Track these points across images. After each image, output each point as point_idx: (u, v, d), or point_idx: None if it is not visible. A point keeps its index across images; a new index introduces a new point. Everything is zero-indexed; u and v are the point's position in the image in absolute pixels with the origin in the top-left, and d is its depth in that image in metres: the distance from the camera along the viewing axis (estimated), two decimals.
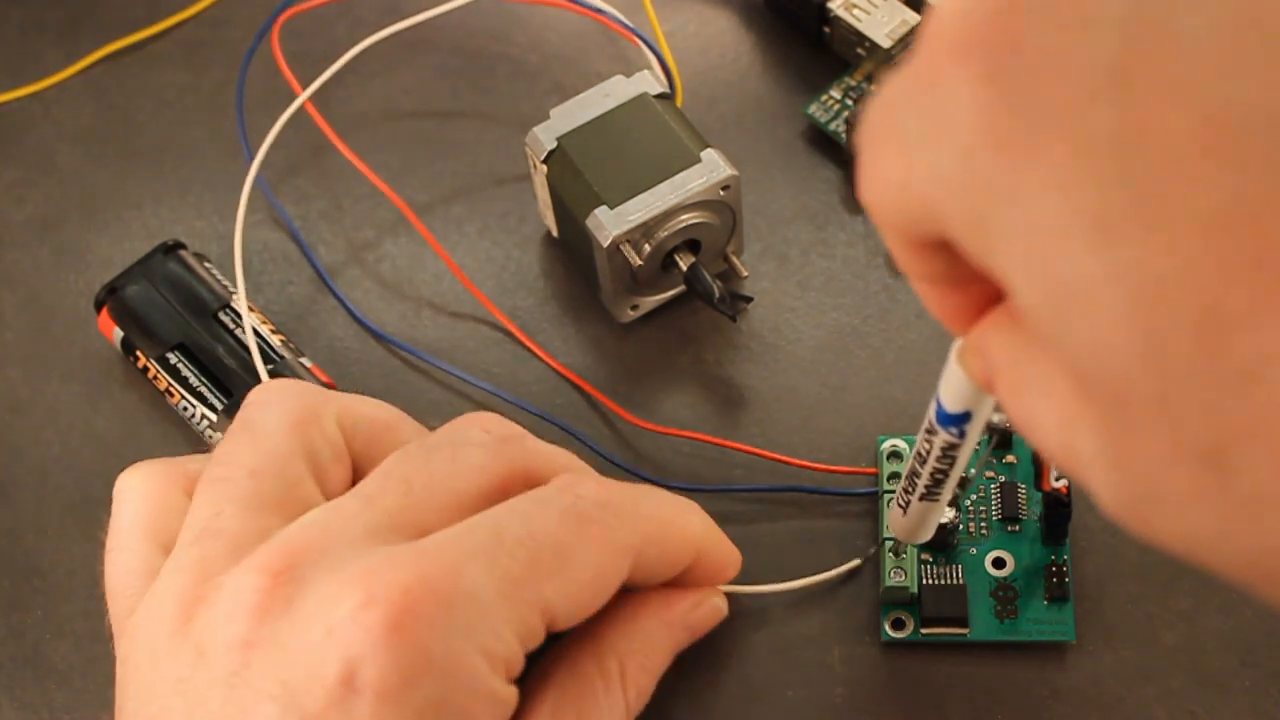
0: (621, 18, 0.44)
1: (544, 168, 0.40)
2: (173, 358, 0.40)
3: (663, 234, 0.39)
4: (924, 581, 0.36)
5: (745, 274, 0.41)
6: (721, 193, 0.39)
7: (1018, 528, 0.37)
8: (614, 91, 0.41)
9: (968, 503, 0.37)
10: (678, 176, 0.39)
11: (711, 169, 0.39)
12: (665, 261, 0.40)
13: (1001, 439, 0.38)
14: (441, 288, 0.43)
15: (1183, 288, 0.18)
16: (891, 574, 0.36)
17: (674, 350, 0.42)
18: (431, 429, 0.33)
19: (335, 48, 0.44)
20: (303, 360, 0.40)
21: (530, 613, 0.29)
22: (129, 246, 0.44)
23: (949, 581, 0.36)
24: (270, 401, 0.33)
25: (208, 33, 0.48)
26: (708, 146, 0.39)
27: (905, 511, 0.34)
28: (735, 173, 0.39)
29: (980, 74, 0.20)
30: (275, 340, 0.40)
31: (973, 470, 0.37)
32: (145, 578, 0.31)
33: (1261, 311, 0.17)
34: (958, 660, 0.36)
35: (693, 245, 0.40)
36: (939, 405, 0.29)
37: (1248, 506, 0.18)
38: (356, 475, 0.33)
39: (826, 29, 0.45)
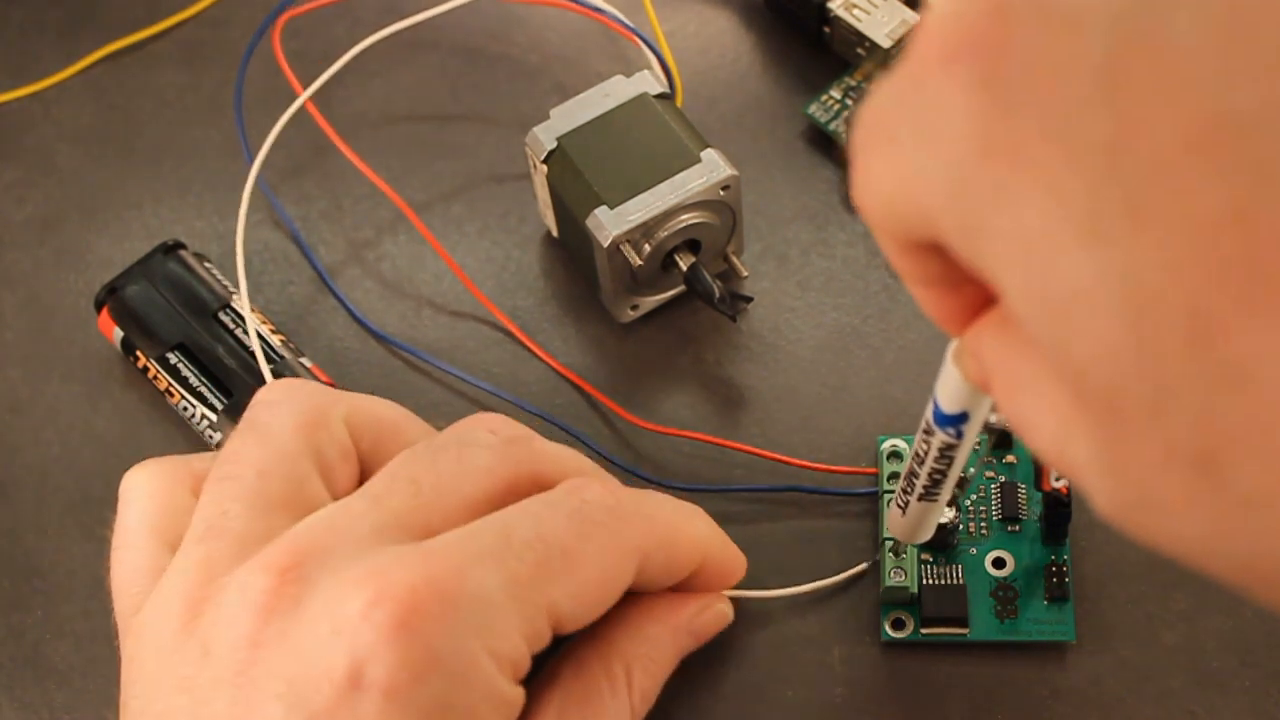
0: (621, 18, 0.44)
1: (544, 168, 0.40)
2: (173, 358, 0.40)
3: (663, 234, 0.39)
4: (924, 581, 0.36)
5: (745, 274, 0.41)
6: (721, 193, 0.39)
7: (1018, 528, 0.37)
8: (614, 91, 0.41)
9: (968, 503, 0.37)
10: (678, 176, 0.39)
11: (711, 169, 0.39)
12: (665, 261, 0.40)
13: (1000, 439, 0.38)
14: (441, 288, 0.43)
15: (1173, 292, 0.17)
16: (891, 574, 0.36)
17: (674, 350, 0.42)
18: (439, 429, 0.33)
19: (335, 48, 0.44)
20: (303, 360, 0.40)
21: (537, 615, 0.29)
22: (129, 246, 0.44)
23: (949, 581, 0.36)
24: (278, 401, 0.33)
25: (208, 33, 0.48)
26: (708, 146, 0.39)
27: (904, 512, 0.34)
28: (735, 173, 0.39)
29: (971, 79, 0.20)
30: (275, 340, 0.40)
31: (972, 470, 0.37)
32: (151, 576, 0.31)
33: (1251, 315, 0.17)
34: (958, 660, 0.36)
35: (693, 245, 0.40)
36: (936, 406, 0.29)
37: (1240, 510, 0.18)
38: (364, 475, 0.33)
39: (826, 29, 0.45)
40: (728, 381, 0.41)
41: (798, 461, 0.39)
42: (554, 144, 0.40)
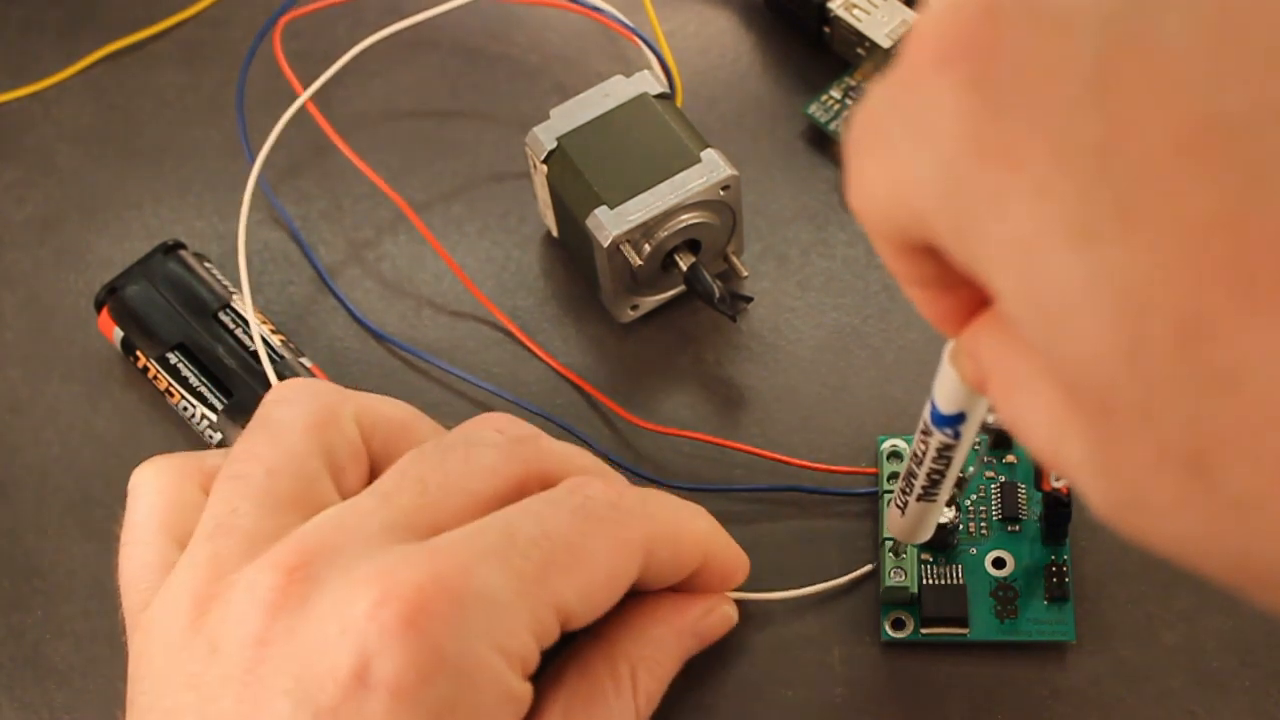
0: (621, 18, 0.44)
1: (544, 168, 0.40)
2: (173, 358, 0.40)
3: (663, 234, 0.39)
4: (924, 581, 0.36)
5: (745, 274, 0.41)
6: (721, 193, 0.39)
7: (1018, 528, 0.37)
8: (614, 91, 0.41)
9: (968, 503, 0.37)
10: (678, 176, 0.39)
11: (711, 169, 0.39)
12: (665, 261, 0.40)
13: (998, 439, 0.38)
14: (441, 288, 0.43)
15: (1164, 294, 0.18)
16: (891, 574, 0.36)
17: (674, 350, 0.42)
18: (447, 428, 0.33)
19: (335, 48, 0.44)
20: (303, 360, 0.40)
21: (545, 611, 0.29)
22: (129, 246, 0.44)
23: (949, 581, 0.36)
24: (289, 400, 0.33)
25: (208, 33, 0.48)
26: (708, 146, 0.39)
27: (903, 512, 0.34)
28: (735, 173, 0.39)
29: (962, 81, 0.20)
30: (275, 340, 0.40)
31: (971, 470, 0.37)
32: (160, 572, 0.31)
33: (1241, 317, 0.17)
34: (958, 660, 0.36)
35: (693, 245, 0.40)
36: (933, 406, 0.29)
37: (1232, 511, 0.18)
38: (373, 474, 0.33)
39: (826, 29, 0.45)
40: (728, 381, 0.41)
41: (798, 461, 0.39)
42: (554, 144, 0.40)
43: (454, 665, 0.28)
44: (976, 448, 0.38)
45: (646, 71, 0.41)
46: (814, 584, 0.37)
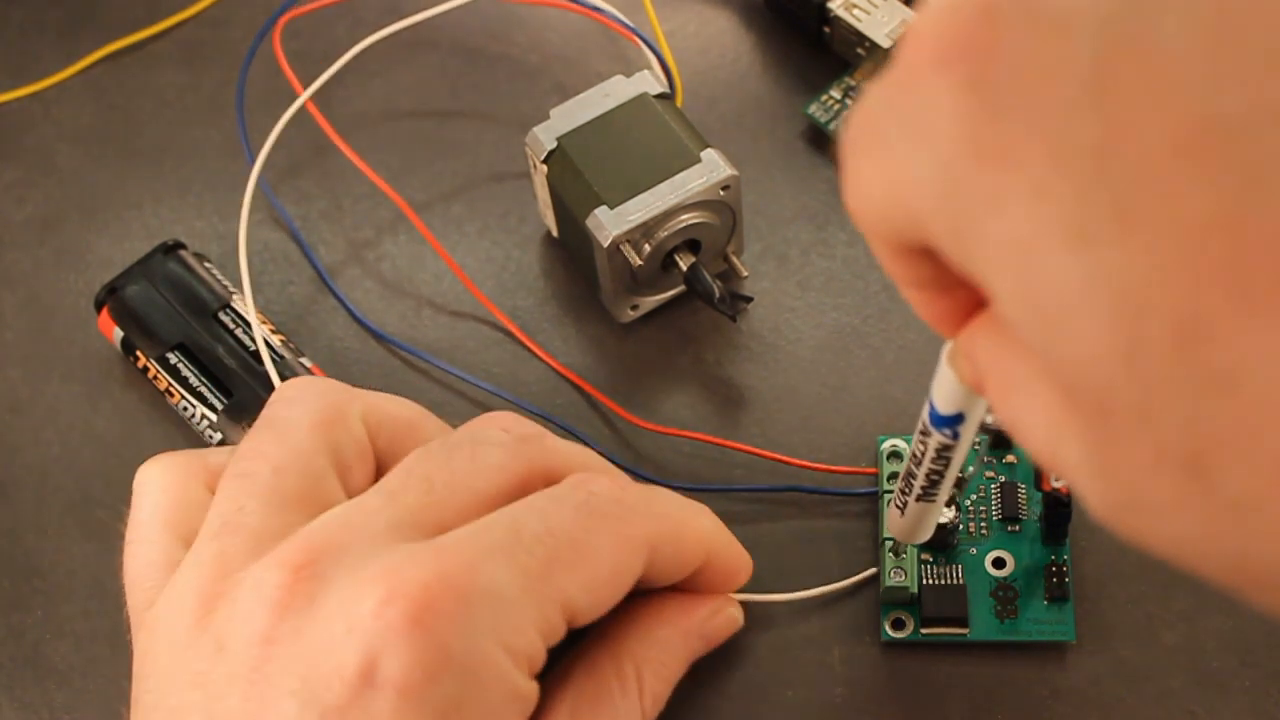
0: (621, 18, 0.44)
1: (544, 168, 0.40)
2: (173, 358, 0.40)
3: (663, 234, 0.39)
4: (924, 581, 0.36)
5: (745, 274, 0.41)
6: (721, 193, 0.39)
7: (1018, 528, 0.37)
8: (614, 91, 0.41)
9: (968, 503, 0.37)
10: (678, 176, 0.39)
11: (711, 169, 0.39)
12: (665, 261, 0.40)
13: (998, 439, 0.38)
14: (441, 288, 0.43)
15: (1162, 296, 0.18)
16: (891, 574, 0.36)
17: (674, 350, 0.42)
18: (452, 427, 0.33)
19: (335, 48, 0.44)
20: (303, 360, 0.40)
21: (551, 608, 0.29)
22: (129, 246, 0.44)
23: (949, 581, 0.36)
24: (296, 399, 0.33)
25: (208, 33, 0.48)
26: (708, 146, 0.39)
27: (903, 512, 0.34)
28: (735, 173, 0.39)
29: (960, 82, 0.20)
30: (275, 340, 0.40)
31: (970, 470, 0.37)
32: (165, 570, 0.31)
33: (1239, 319, 0.17)
34: (958, 660, 0.36)
35: (693, 245, 0.40)
36: (932, 407, 0.29)
37: (1230, 512, 0.18)
38: (380, 472, 0.33)
39: (826, 29, 0.45)
40: (728, 381, 0.41)
41: (798, 461, 0.39)
42: (554, 144, 0.40)
43: (460, 663, 0.28)
44: (976, 448, 0.38)
45: (646, 71, 0.41)
46: (814, 583, 0.37)
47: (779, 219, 0.43)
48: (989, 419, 0.31)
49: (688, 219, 0.39)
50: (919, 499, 0.33)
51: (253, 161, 0.42)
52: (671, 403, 0.41)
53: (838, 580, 0.37)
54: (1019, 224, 0.19)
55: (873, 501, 0.38)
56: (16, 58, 0.48)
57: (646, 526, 0.32)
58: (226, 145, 0.46)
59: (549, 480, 0.32)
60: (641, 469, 0.39)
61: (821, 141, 0.44)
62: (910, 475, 0.33)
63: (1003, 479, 0.38)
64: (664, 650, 0.33)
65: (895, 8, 0.44)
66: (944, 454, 0.31)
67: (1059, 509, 0.36)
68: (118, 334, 0.41)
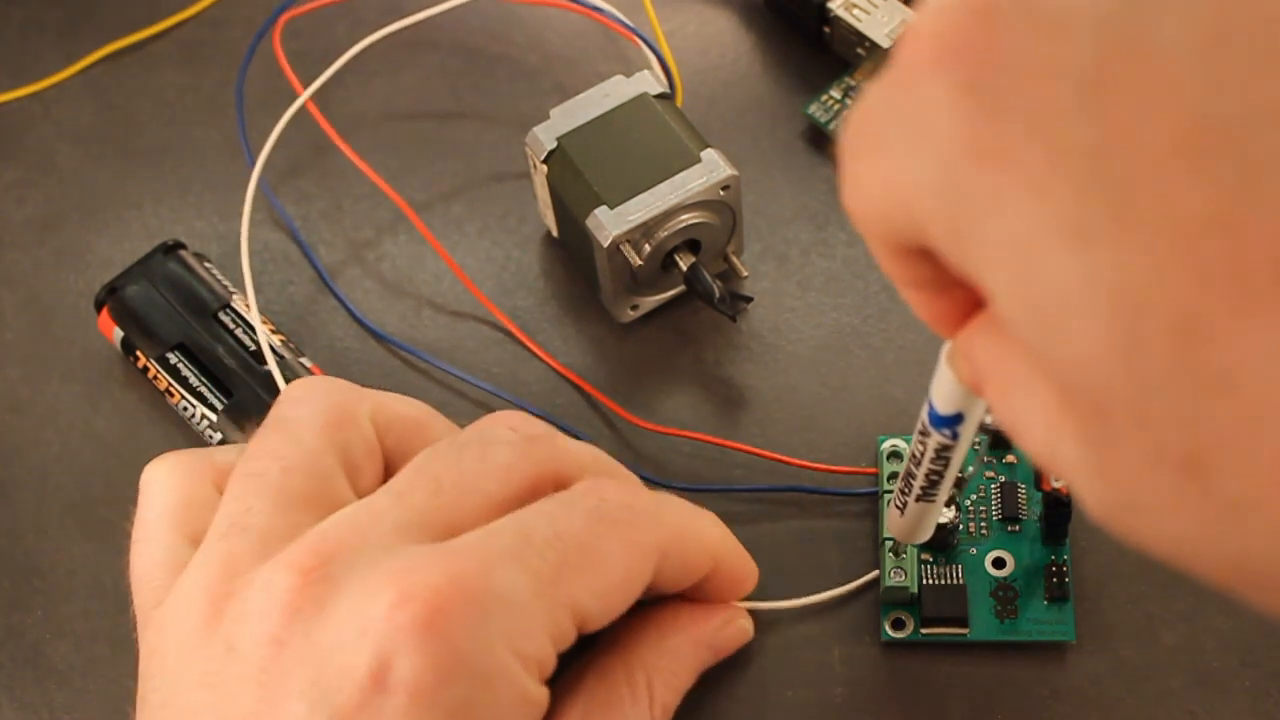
0: (621, 18, 0.44)
1: (544, 168, 0.40)
2: (173, 358, 0.40)
3: (663, 234, 0.39)
4: (924, 581, 0.36)
5: (745, 274, 0.41)
6: (721, 193, 0.39)
7: (1018, 528, 0.37)
8: (614, 91, 0.41)
9: (968, 503, 0.37)
10: (678, 176, 0.39)
11: (711, 169, 0.39)
12: (665, 261, 0.40)
13: (997, 439, 0.38)
14: (441, 288, 0.43)
15: (1158, 296, 0.18)
16: (891, 574, 0.36)
17: (674, 350, 0.42)
18: (460, 427, 0.33)
19: (335, 47, 0.44)
20: (303, 360, 0.40)
21: (562, 613, 0.29)
22: (129, 246, 0.44)
23: (949, 581, 0.36)
24: (305, 399, 0.33)
25: (208, 33, 0.48)
26: (708, 146, 0.39)
27: (903, 512, 0.34)
28: (735, 173, 0.39)
29: (958, 82, 0.20)
30: (276, 340, 0.40)
31: (970, 470, 0.37)
32: (171, 570, 0.31)
33: (1237, 319, 0.17)
34: (958, 660, 0.36)
35: (693, 245, 0.40)
36: (931, 407, 0.29)
37: (1227, 513, 0.18)
38: (388, 472, 0.33)
39: (826, 29, 0.45)
40: (728, 381, 0.41)
41: (798, 461, 0.39)
42: (554, 144, 0.40)
43: (472, 667, 0.28)
44: (976, 448, 0.38)
45: (646, 71, 0.41)
46: (814, 583, 0.37)
47: (779, 219, 0.43)
48: (988, 419, 0.31)
49: (688, 219, 0.39)
50: (919, 499, 0.33)
51: (253, 162, 0.42)
52: (671, 403, 0.41)
53: (838, 580, 0.37)
54: (1017, 224, 0.19)
55: (873, 501, 0.38)
56: (16, 58, 0.48)
57: (656, 533, 0.32)
58: (226, 145, 0.46)
59: (558, 480, 0.32)
60: (641, 469, 0.39)
61: (821, 141, 0.44)
62: (910, 475, 0.32)
63: (1003, 479, 0.38)
64: (675, 660, 0.33)
65: (895, 8, 0.44)
66: (943, 454, 0.31)
67: (1059, 509, 0.36)
68: (118, 334, 0.41)
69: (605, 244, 0.38)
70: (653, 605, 0.33)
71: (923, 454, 0.31)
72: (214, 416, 0.39)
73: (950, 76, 0.20)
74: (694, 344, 0.42)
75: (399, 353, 0.42)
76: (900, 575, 0.36)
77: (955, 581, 0.36)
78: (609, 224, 0.38)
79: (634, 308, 0.42)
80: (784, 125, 0.45)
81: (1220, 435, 0.18)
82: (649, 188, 0.39)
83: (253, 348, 0.40)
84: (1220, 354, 0.17)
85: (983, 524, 0.37)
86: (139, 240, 0.44)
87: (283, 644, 0.28)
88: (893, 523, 0.35)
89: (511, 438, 0.32)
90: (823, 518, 0.39)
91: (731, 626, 0.35)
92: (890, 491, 0.37)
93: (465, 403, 0.41)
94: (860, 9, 0.44)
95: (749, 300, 0.42)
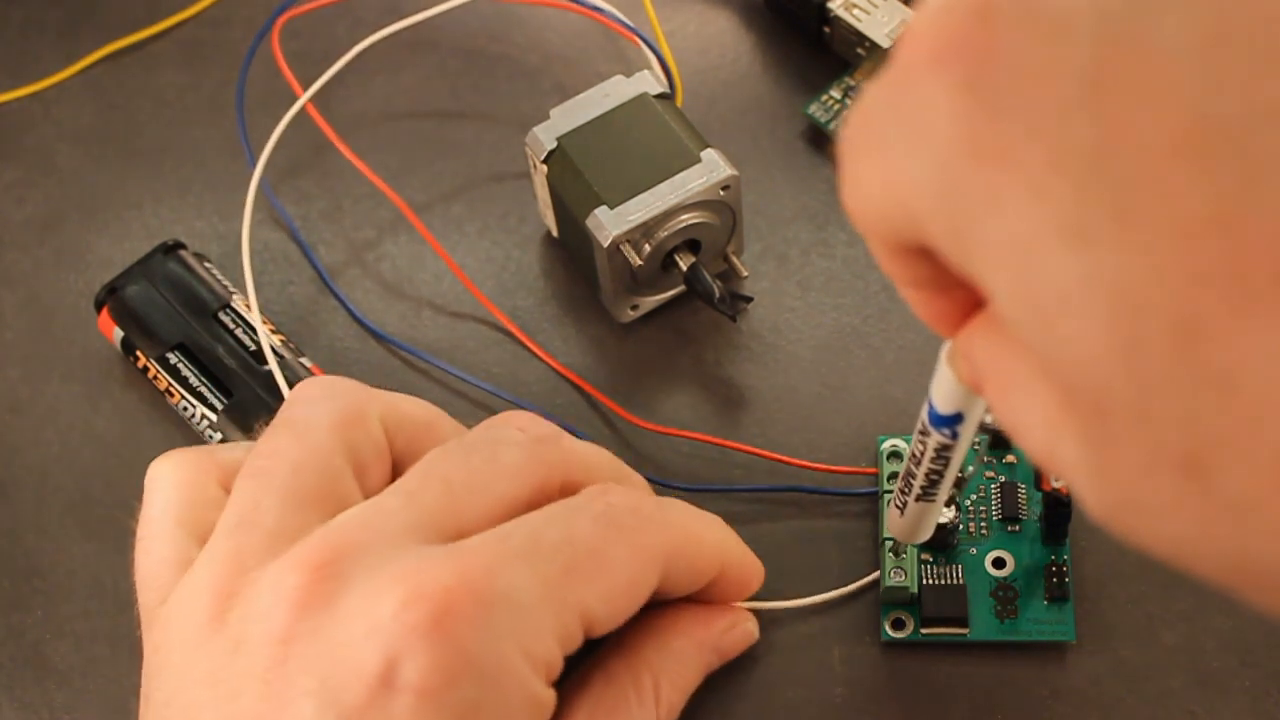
0: (621, 18, 0.44)
1: (544, 168, 0.40)
2: (173, 358, 0.40)
3: (663, 234, 0.39)
4: (924, 581, 0.36)
5: (745, 274, 0.41)
6: (721, 193, 0.39)
7: (1018, 528, 0.37)
8: (614, 91, 0.41)
9: (968, 503, 0.37)
10: (678, 176, 0.39)
11: (711, 169, 0.39)
12: (665, 261, 0.40)
13: (997, 439, 0.38)
14: (441, 288, 0.43)
15: (1158, 296, 0.18)
16: (891, 574, 0.36)
17: (674, 350, 0.42)
18: (467, 427, 0.33)
19: (335, 48, 0.44)
20: (303, 360, 0.40)
21: (569, 616, 0.29)
22: (129, 246, 0.44)
23: (949, 581, 0.36)
24: (314, 398, 0.33)
25: (208, 33, 0.48)
26: (708, 146, 0.39)
27: (902, 512, 0.34)
28: (735, 173, 0.39)
29: (957, 82, 0.20)
30: (276, 340, 0.40)
31: (970, 469, 0.37)
32: (177, 567, 0.31)
33: (1236, 319, 0.17)
34: (958, 660, 0.36)
35: (693, 245, 0.40)
36: (931, 407, 0.29)
37: (1227, 513, 0.18)
38: (396, 473, 0.33)
39: (826, 29, 0.45)
40: (728, 381, 0.41)
41: (798, 461, 0.39)
42: (554, 144, 0.40)
43: (480, 668, 0.28)
44: (976, 447, 0.38)
45: (646, 71, 0.41)
46: (814, 584, 0.37)
47: (779, 219, 0.43)
48: (988, 419, 0.31)
49: (688, 219, 0.39)
50: (919, 499, 0.33)
51: (253, 162, 0.42)
52: (671, 403, 0.41)
53: (838, 580, 0.37)
54: (1017, 223, 0.19)
55: (873, 501, 0.38)
56: (16, 58, 0.48)
57: (663, 538, 0.32)
58: (226, 145, 0.46)
59: (566, 481, 0.32)
60: (642, 469, 0.39)
61: (821, 141, 0.44)
62: (910, 475, 0.32)
63: (1003, 479, 0.38)
64: (681, 662, 0.33)
65: (895, 8, 0.44)
66: (943, 454, 0.31)
67: (1059, 509, 0.36)
68: (118, 334, 0.41)
69: (605, 244, 0.38)
70: (659, 608, 0.33)
71: (923, 454, 0.31)
72: (214, 416, 0.39)
73: (950, 76, 0.20)
74: (694, 344, 0.42)
75: (399, 353, 0.42)
76: (900, 575, 0.36)
77: (955, 581, 0.36)
78: (609, 224, 0.38)
79: (634, 308, 0.42)
80: (784, 125, 0.45)
81: (1220, 435, 0.18)
82: (649, 188, 0.39)
83: (253, 348, 0.40)
84: (1220, 354, 0.17)
85: (983, 524, 0.37)
86: (139, 240, 0.44)
87: (290, 642, 0.28)
88: (893, 523, 0.35)
89: (520, 438, 0.32)
90: (823, 518, 0.39)
91: (737, 629, 0.35)
92: (890, 491, 0.37)
93: (465, 403, 0.41)
94: (860, 9, 0.44)
95: (749, 300, 0.42)
